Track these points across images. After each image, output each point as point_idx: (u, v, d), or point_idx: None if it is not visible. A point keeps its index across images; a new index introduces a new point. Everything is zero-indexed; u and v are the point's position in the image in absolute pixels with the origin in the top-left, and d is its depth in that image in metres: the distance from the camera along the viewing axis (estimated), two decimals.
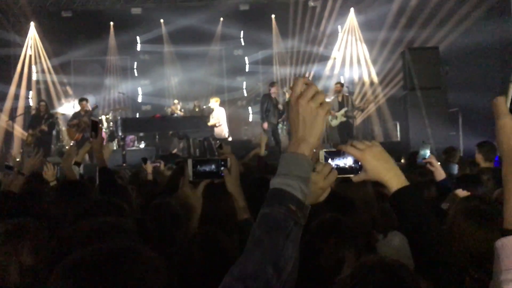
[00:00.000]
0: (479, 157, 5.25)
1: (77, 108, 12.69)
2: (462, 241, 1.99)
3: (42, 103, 12.05)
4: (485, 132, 9.59)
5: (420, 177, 3.80)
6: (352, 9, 15.28)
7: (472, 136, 8.85)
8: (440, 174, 3.46)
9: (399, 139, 11.78)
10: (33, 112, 12.84)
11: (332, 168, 1.45)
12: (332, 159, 1.50)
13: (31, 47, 14.98)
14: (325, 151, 1.51)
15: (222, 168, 2.13)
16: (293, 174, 1.19)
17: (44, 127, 11.34)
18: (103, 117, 12.44)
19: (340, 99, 11.45)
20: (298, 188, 1.17)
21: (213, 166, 2.15)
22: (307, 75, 15.13)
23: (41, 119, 11.56)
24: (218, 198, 2.45)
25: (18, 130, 13.66)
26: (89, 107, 11.83)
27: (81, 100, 11.84)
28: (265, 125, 11.00)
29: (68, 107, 14.24)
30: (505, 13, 11.38)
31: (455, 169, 5.23)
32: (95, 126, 3.56)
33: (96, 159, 3.56)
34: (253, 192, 2.38)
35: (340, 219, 1.98)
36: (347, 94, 11.66)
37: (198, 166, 2.16)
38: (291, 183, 1.17)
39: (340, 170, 1.50)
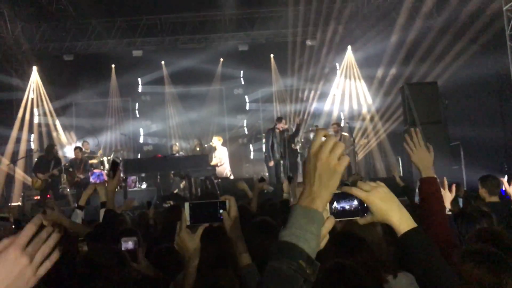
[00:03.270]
0: (483, 192, 5.21)
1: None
2: (471, 285, 1.92)
3: (52, 147, 11.72)
4: (487, 165, 9.55)
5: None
6: (349, 47, 15.54)
7: (475, 169, 8.80)
8: None
9: (401, 174, 11.70)
10: (37, 155, 12.61)
11: (330, 215, 1.43)
12: (338, 201, 1.47)
13: (33, 90, 15.17)
14: None
15: (221, 211, 2.02)
16: (305, 229, 1.16)
17: (56, 172, 11.10)
18: (105, 159, 12.45)
19: (338, 138, 11.57)
20: (309, 244, 1.14)
21: (211, 209, 2.04)
22: (306, 113, 15.22)
23: (49, 162, 11.15)
24: (218, 243, 2.36)
25: (20, 174, 13.61)
26: (89, 149, 11.81)
27: (75, 148, 11.88)
28: (271, 163, 11.04)
29: (69, 150, 14.26)
30: (500, 47, 11.53)
31: (460, 203, 5.20)
32: (115, 166, 3.45)
33: (106, 200, 3.49)
34: (253, 236, 2.30)
35: (344, 265, 1.90)
36: (346, 134, 11.73)
37: (196, 210, 2.04)
38: (302, 238, 1.14)
39: (346, 212, 1.46)
